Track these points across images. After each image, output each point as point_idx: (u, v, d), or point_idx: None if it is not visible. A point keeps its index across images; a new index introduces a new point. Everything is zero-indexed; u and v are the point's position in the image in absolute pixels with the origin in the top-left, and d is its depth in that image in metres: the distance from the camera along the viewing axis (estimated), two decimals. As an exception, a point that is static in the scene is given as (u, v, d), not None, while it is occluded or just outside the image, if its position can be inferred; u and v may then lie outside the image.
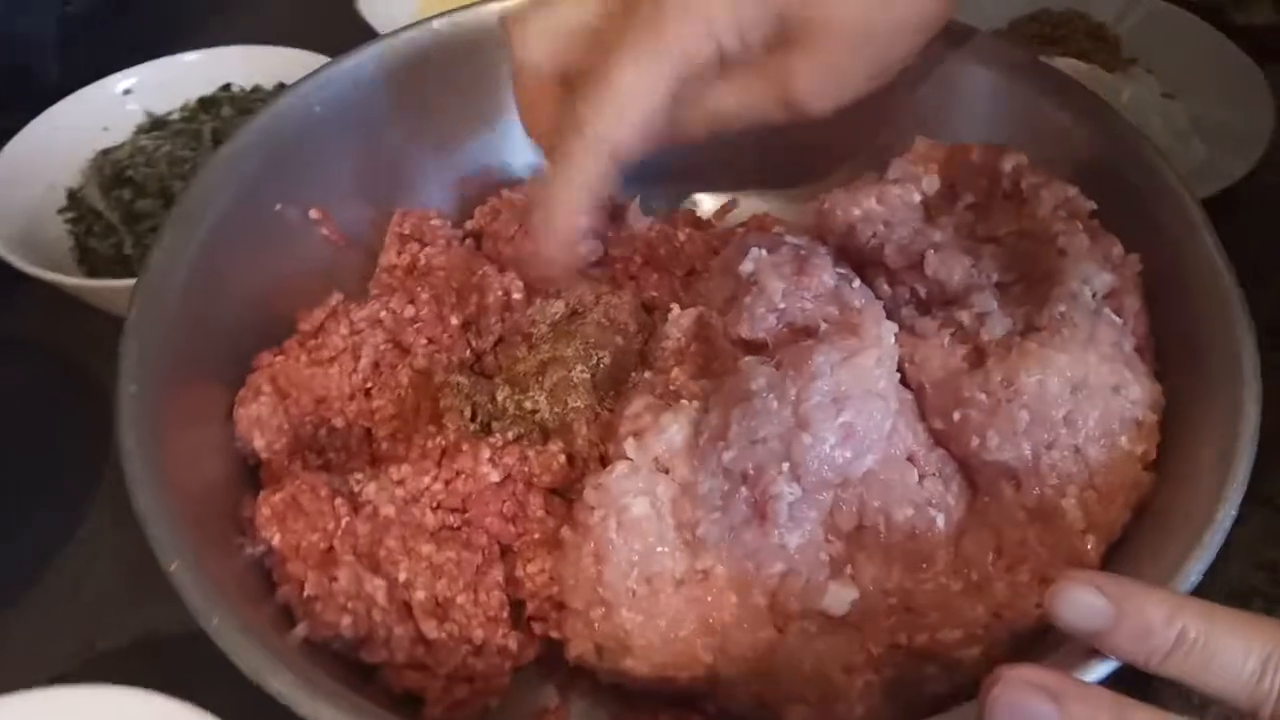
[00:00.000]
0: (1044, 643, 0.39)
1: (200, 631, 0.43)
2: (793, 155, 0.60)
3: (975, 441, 0.40)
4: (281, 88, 0.68)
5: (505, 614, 0.41)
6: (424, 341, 0.47)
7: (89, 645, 0.48)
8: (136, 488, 0.36)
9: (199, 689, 0.39)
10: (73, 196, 0.64)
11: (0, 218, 0.59)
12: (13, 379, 0.53)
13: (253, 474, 0.45)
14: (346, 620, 0.38)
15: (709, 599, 0.39)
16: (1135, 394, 0.39)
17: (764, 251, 0.45)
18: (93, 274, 0.61)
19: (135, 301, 0.42)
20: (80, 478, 0.55)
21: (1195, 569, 0.34)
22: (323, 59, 0.67)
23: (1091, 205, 0.45)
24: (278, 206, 0.50)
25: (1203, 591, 0.34)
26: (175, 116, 0.68)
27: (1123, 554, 0.39)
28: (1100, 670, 0.32)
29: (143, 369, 0.40)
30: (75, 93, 0.67)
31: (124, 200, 0.60)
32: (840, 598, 0.39)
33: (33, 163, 0.64)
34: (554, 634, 0.43)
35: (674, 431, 0.41)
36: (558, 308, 0.49)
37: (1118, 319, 0.41)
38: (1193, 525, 0.35)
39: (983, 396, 0.40)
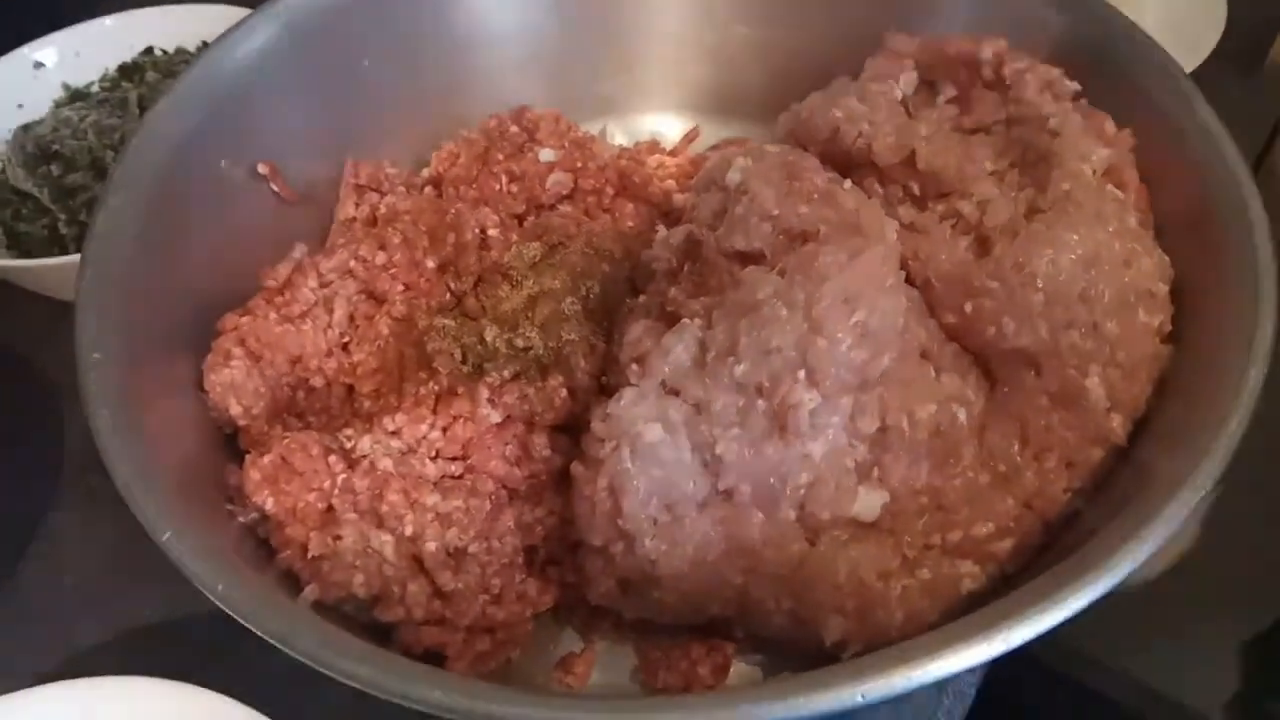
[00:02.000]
0: (1074, 530, 0.38)
1: (186, 615, 0.41)
2: (760, 79, 0.59)
3: (991, 330, 0.39)
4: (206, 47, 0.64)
5: (521, 560, 0.40)
6: (400, 288, 0.44)
7: (69, 641, 0.45)
8: (116, 464, 0.33)
9: (192, 674, 0.37)
10: (-8, 179, 0.60)
11: (-84, 208, 0.55)
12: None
13: (230, 442, 0.42)
14: (359, 579, 0.36)
15: (735, 519, 0.37)
16: (1146, 266, 0.39)
17: (749, 161, 0.44)
18: (25, 256, 0.57)
19: (84, 273, 0.39)
20: (37, 471, 0.52)
21: (1227, 444, 0.33)
22: (246, 12, 0.63)
23: (1075, 86, 0.44)
24: (223, 163, 0.47)
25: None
26: (95, 88, 0.64)
27: (1149, 431, 0.38)
28: (1126, 566, 0.31)
29: (102, 342, 0.37)
30: (-17, 70, 0.63)
31: (52, 176, 0.56)
32: (870, 502, 0.37)
33: (-56, 147, 0.59)
34: (571, 577, 0.41)
35: (679, 351, 0.39)
36: (535, 249, 0.47)
37: (1120, 193, 0.40)
38: (1219, 397, 0.35)
39: (994, 284, 0.39)
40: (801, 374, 0.37)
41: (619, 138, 0.60)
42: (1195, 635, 0.47)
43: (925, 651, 0.29)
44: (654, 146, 0.59)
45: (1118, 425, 0.37)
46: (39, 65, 0.64)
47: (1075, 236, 0.38)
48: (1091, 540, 0.33)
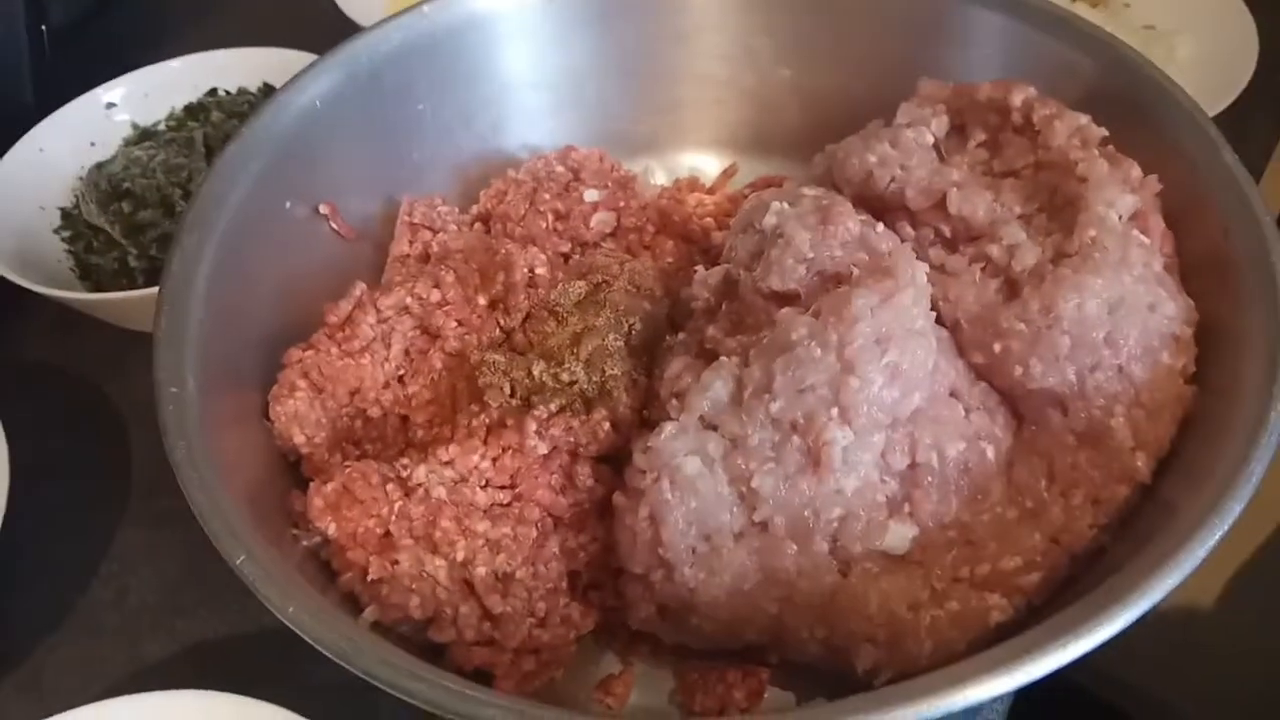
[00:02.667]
0: (1100, 564, 0.40)
1: (246, 632, 0.44)
2: (797, 117, 0.61)
3: (1019, 371, 0.40)
4: (268, 88, 0.67)
5: (565, 584, 0.42)
6: (454, 324, 0.47)
7: (136, 656, 0.48)
8: (193, 492, 0.36)
9: (253, 688, 0.40)
10: (67, 215, 0.63)
11: (-1, 243, 0.58)
12: (28, 404, 0.52)
13: (293, 469, 0.45)
14: (414, 601, 0.38)
15: (770, 550, 0.39)
16: (1170, 310, 0.40)
17: (785, 205, 0.46)
18: (97, 289, 0.60)
19: (162, 309, 0.42)
20: (105, 494, 0.55)
21: (1252, 479, 0.35)
22: (307, 56, 0.66)
23: (1104, 132, 0.45)
24: (287, 204, 0.50)
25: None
26: (162, 126, 0.67)
27: (1172, 469, 0.39)
28: (1148, 602, 0.32)
29: (179, 376, 0.40)
30: (57, 111, 0.66)
31: (124, 213, 0.60)
32: (900, 536, 0.39)
33: (21, 186, 0.63)
34: (612, 602, 0.43)
35: (718, 388, 0.41)
36: (580, 287, 0.49)
37: (1145, 239, 0.41)
38: (1241, 436, 0.36)
39: (1022, 326, 0.40)
40: (835, 412, 0.39)
41: (660, 175, 0.62)
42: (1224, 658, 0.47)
43: (952, 681, 0.31)
44: (694, 184, 0.61)
45: (1142, 464, 0.39)
46: (110, 105, 0.68)
47: (1100, 281, 0.39)
48: (1116, 575, 0.34)
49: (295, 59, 0.66)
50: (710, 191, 0.60)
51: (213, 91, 0.68)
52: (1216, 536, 0.33)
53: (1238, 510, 0.33)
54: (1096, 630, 0.31)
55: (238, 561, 0.34)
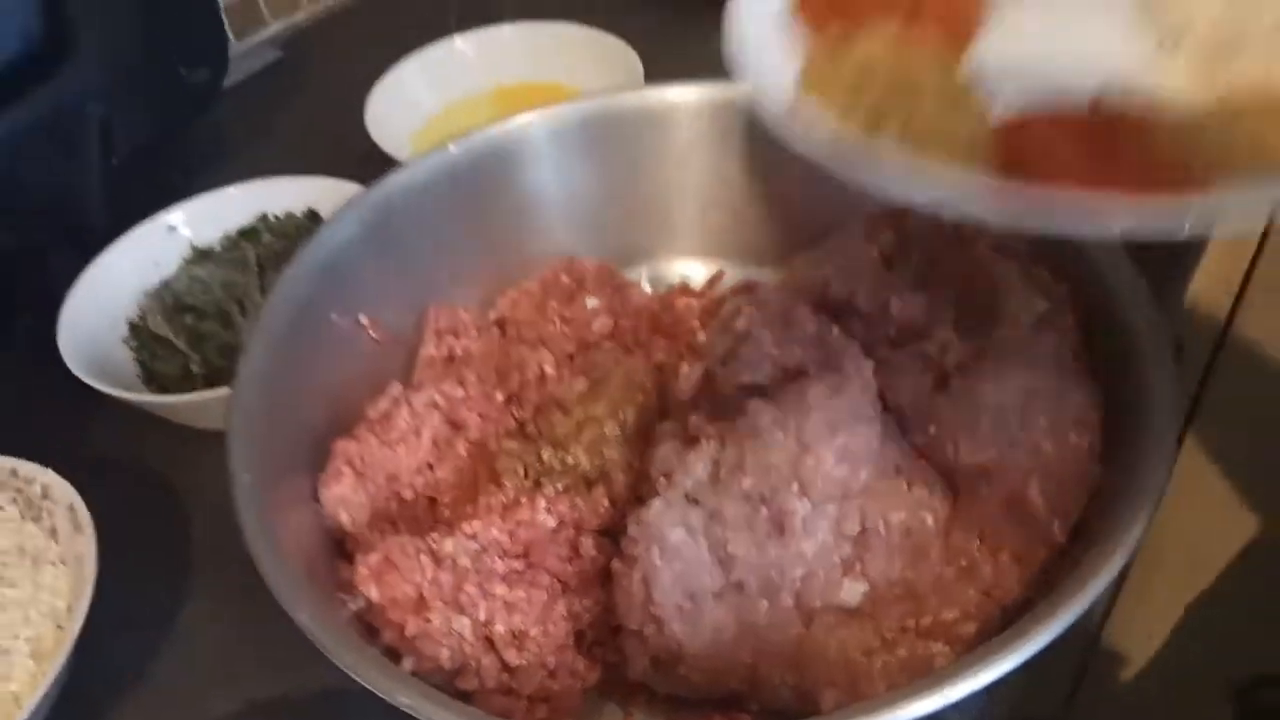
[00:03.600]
0: (1031, 615, 0.46)
1: (303, 691, 0.50)
2: (771, 227, 0.69)
3: (950, 449, 0.48)
4: (312, 213, 0.76)
5: (572, 641, 0.48)
6: (475, 416, 0.55)
7: (204, 713, 0.54)
8: (262, 562, 0.43)
9: None
10: (134, 326, 0.72)
11: (75, 352, 0.67)
12: (101, 493, 0.60)
13: (339, 545, 0.52)
14: (445, 653, 0.45)
15: (744, 606, 0.46)
16: (1078, 397, 0.47)
17: (754, 310, 0.54)
18: (161, 391, 0.69)
19: (232, 408, 0.50)
20: (170, 573, 0.62)
21: (1130, 544, 0.41)
22: (345, 183, 0.76)
23: (1022, 247, 0.53)
24: (333, 316, 0.58)
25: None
26: (218, 247, 0.76)
27: (1083, 533, 0.46)
28: (1046, 638, 0.39)
29: (248, 464, 0.48)
30: (126, 234, 0.75)
31: (188, 325, 0.68)
32: (854, 591, 0.46)
33: (95, 302, 0.72)
34: (613, 657, 0.50)
35: (699, 468, 0.48)
36: (582, 383, 0.57)
37: (1054, 336, 0.49)
38: (1133, 503, 0.43)
39: (951, 412, 0.48)
40: (795, 486, 0.46)
41: (650, 282, 0.71)
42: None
43: (886, 703, 0.38)
44: (684, 289, 0.69)
45: (1057, 529, 0.46)
46: (171, 229, 0.77)
47: (1016, 373, 0.47)
48: (1024, 617, 0.41)
49: (335, 187, 0.76)
50: (698, 295, 0.69)
51: (263, 216, 0.77)
52: (1105, 584, 0.40)
53: (1121, 564, 0.41)
54: (1001, 663, 0.38)
55: (303, 619, 0.41)
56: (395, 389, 0.56)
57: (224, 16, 1.03)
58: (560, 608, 0.48)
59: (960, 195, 0.36)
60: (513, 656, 0.46)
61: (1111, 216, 0.34)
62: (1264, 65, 0.37)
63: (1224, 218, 0.35)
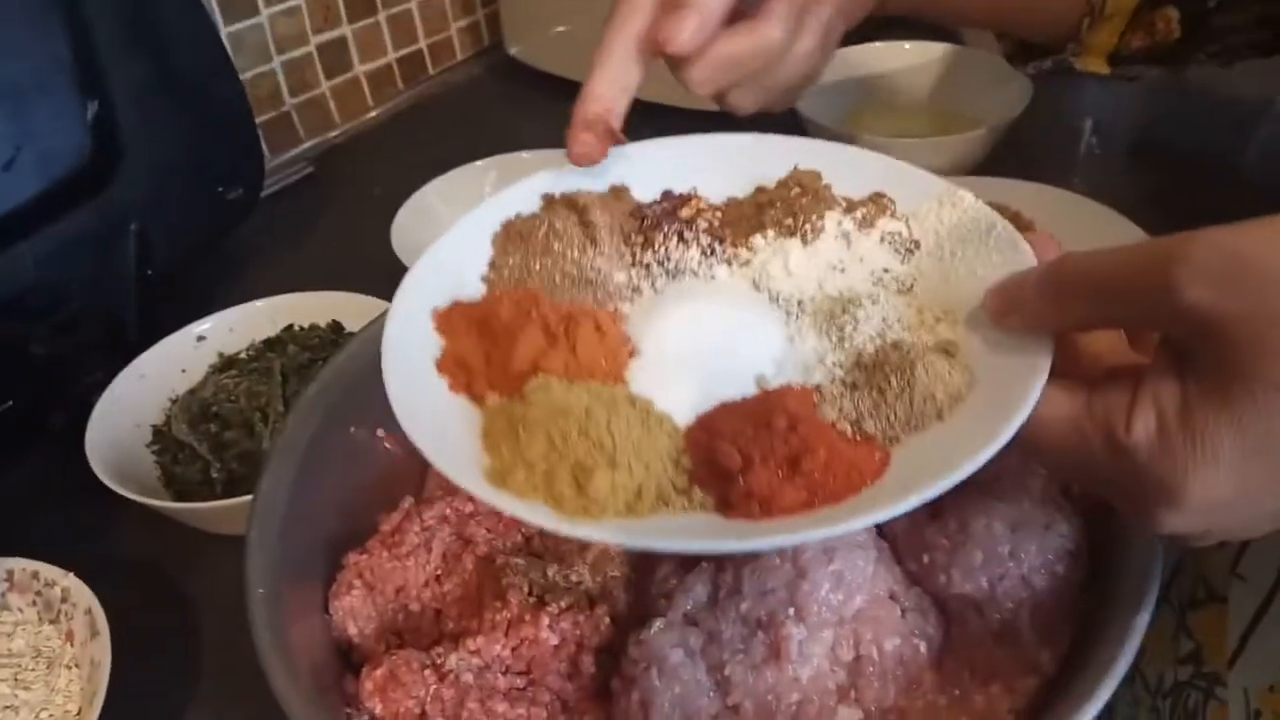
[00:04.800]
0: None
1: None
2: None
3: (943, 579, 0.49)
4: (336, 325, 0.80)
5: (570, 760, 0.49)
6: (484, 531, 0.56)
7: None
8: (273, 674, 0.45)
9: None
10: (158, 431, 0.75)
11: (100, 455, 0.69)
12: (118, 594, 0.62)
13: (345, 655, 0.53)
14: (444, 770, 0.46)
15: (740, 730, 0.47)
16: (1064, 529, 0.49)
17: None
18: (179, 497, 0.71)
19: (253, 521, 0.52)
20: (178, 676, 0.63)
21: (1120, 669, 0.43)
22: (369, 299, 0.79)
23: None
24: (352, 429, 0.61)
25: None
26: (244, 355, 0.79)
27: (1072, 662, 0.47)
28: None
29: (263, 578, 0.49)
30: (157, 343, 0.79)
31: (211, 432, 0.71)
32: (848, 718, 0.47)
33: (124, 406, 0.75)
34: (610, 777, 0.50)
35: (699, 590, 0.50)
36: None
37: (1043, 470, 0.51)
38: (1117, 635, 0.44)
39: (944, 540, 0.49)
40: (791, 611, 0.47)
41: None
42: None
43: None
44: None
45: (1046, 659, 0.47)
46: (200, 339, 0.80)
47: (1004, 505, 0.49)
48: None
49: (358, 301, 0.80)
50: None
51: (289, 327, 0.81)
52: (1094, 712, 0.41)
53: (1109, 694, 0.42)
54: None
55: (309, 733, 0.42)
56: (407, 502, 0.58)
57: (260, 134, 1.09)
58: (560, 726, 0.49)
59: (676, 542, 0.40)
60: (512, 775, 0.47)
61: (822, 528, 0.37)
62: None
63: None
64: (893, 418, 0.41)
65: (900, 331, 0.44)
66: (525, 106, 1.22)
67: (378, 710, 0.47)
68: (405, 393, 0.42)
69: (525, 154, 0.96)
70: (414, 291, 0.48)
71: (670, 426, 0.42)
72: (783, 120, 1.05)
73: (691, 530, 0.39)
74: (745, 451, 0.40)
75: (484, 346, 0.45)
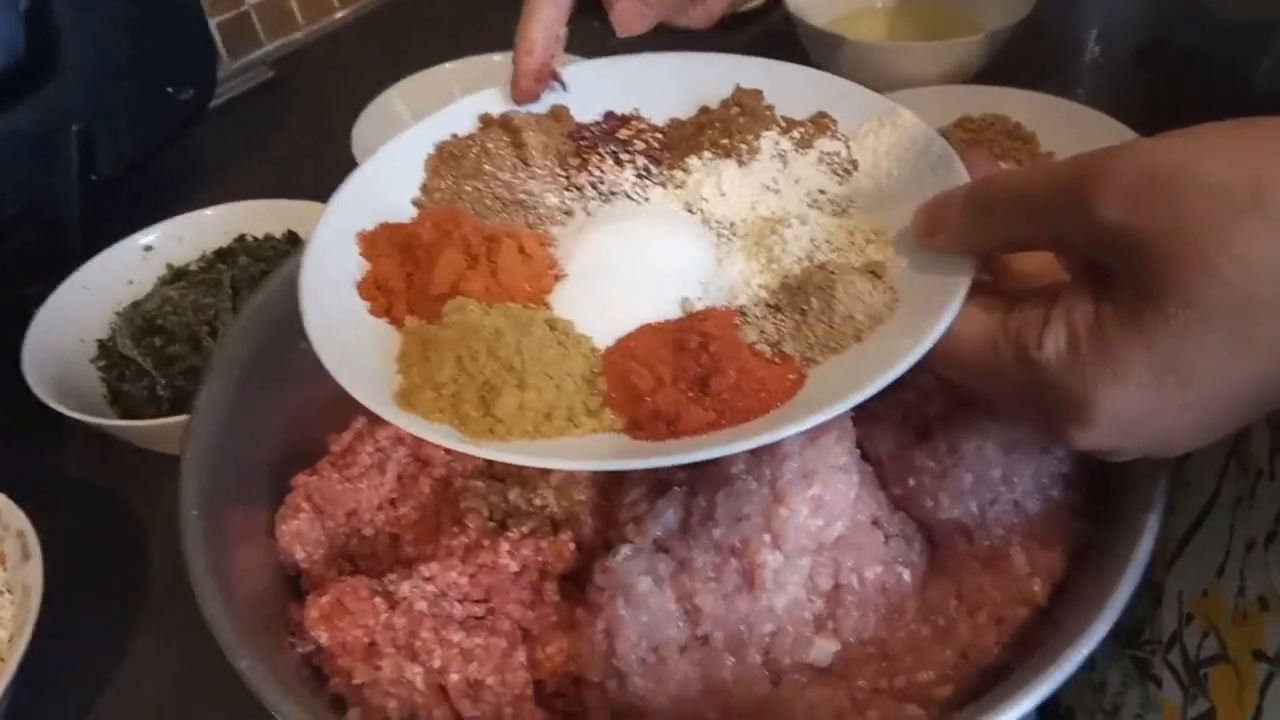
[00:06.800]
0: (1008, 678, 0.44)
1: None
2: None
3: (930, 503, 0.46)
4: (292, 235, 0.75)
5: (530, 692, 0.46)
6: (442, 453, 0.53)
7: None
8: (206, 602, 0.41)
9: None
10: (104, 346, 0.71)
11: (40, 371, 0.65)
12: (59, 517, 0.58)
13: (293, 582, 0.50)
14: (392, 704, 0.43)
15: (710, 661, 0.44)
16: (1061, 452, 0.46)
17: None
18: (126, 415, 0.67)
19: (188, 440, 0.48)
20: (124, 601, 0.60)
21: (1116, 606, 0.40)
22: (324, 208, 0.74)
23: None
24: (302, 345, 0.57)
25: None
26: (194, 267, 0.75)
27: (1066, 594, 0.44)
28: (1028, 704, 0.37)
29: (199, 497, 0.46)
30: (101, 253, 0.74)
31: (156, 347, 0.67)
32: (825, 650, 0.44)
33: (65, 320, 0.71)
34: (575, 708, 0.48)
35: (669, 515, 0.47)
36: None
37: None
38: (1117, 565, 0.41)
39: (932, 464, 0.46)
40: (767, 538, 0.44)
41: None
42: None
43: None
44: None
45: (1038, 588, 0.44)
46: (148, 248, 0.76)
47: (998, 426, 0.45)
48: (1004, 682, 0.39)
49: (316, 210, 0.73)
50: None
51: (241, 237, 0.76)
52: (1088, 650, 0.38)
53: (1106, 630, 0.39)
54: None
55: (242, 666, 0.39)
56: (360, 422, 0.54)
57: (216, 34, 1.02)
58: (520, 656, 0.46)
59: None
60: (467, 707, 0.44)
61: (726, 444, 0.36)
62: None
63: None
64: (812, 339, 0.39)
65: (828, 253, 0.42)
66: (497, 5, 1.15)
67: (323, 639, 0.44)
68: (322, 316, 0.41)
69: (496, 56, 0.90)
70: (339, 214, 0.46)
71: (588, 348, 0.40)
72: (773, 22, 0.99)
73: (593, 450, 0.38)
74: (657, 373, 0.38)
75: (406, 269, 0.43)
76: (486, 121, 0.50)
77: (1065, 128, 0.84)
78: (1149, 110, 0.87)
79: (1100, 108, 0.84)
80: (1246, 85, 0.91)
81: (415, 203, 0.48)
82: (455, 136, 0.50)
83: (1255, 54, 0.93)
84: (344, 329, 0.42)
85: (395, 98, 0.88)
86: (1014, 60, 0.92)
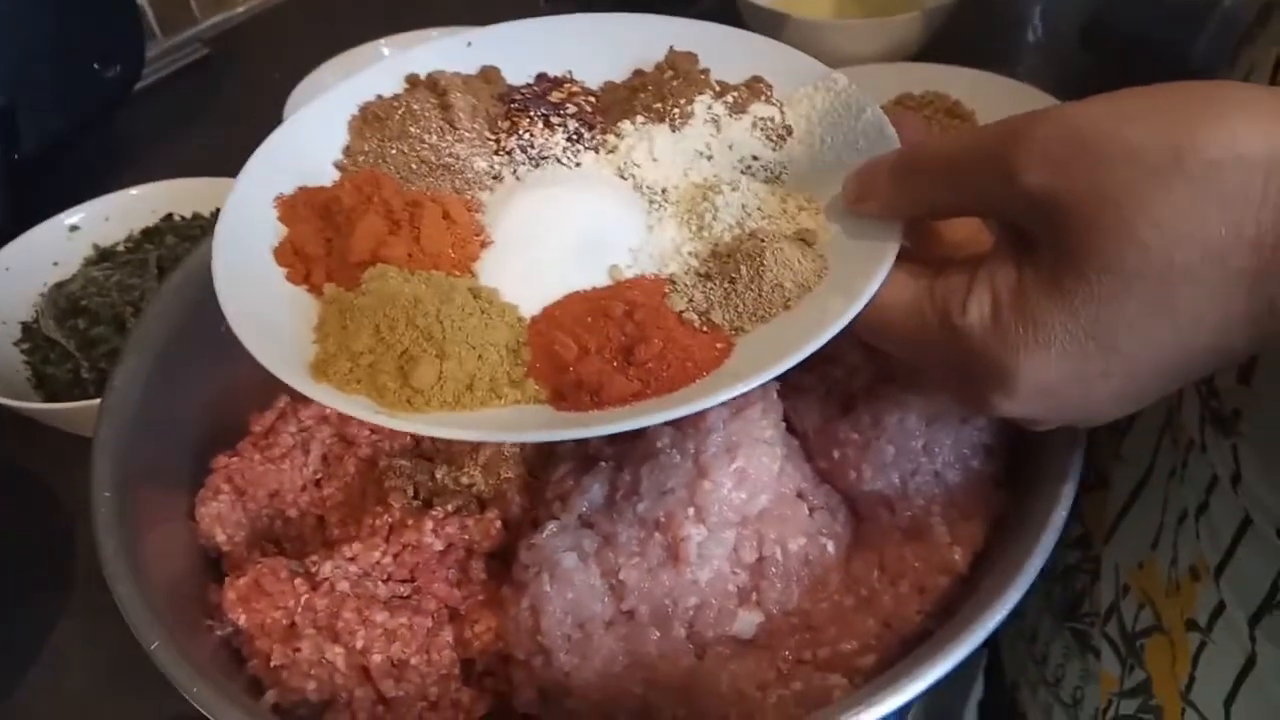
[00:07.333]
0: (928, 644, 0.45)
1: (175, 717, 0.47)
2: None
3: (853, 475, 0.46)
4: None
5: (456, 671, 0.46)
6: (367, 432, 0.52)
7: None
8: (116, 583, 0.40)
9: None
10: (27, 329, 0.69)
11: (-41, 353, 0.63)
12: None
13: (215, 565, 0.49)
14: (311, 685, 0.42)
15: (635, 636, 0.44)
16: (981, 423, 0.46)
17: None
18: (50, 398, 0.65)
19: (102, 419, 0.47)
20: (48, 585, 0.59)
21: (1035, 566, 0.40)
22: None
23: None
24: (222, 327, 0.55)
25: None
26: (121, 247, 0.73)
27: (986, 561, 0.45)
28: (944, 668, 0.38)
29: (113, 478, 0.45)
30: (24, 234, 0.72)
31: (79, 329, 0.65)
32: (748, 622, 0.44)
33: (-14, 301, 0.69)
34: (503, 687, 0.47)
35: (595, 490, 0.46)
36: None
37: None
38: (1035, 531, 0.42)
39: (855, 436, 0.46)
40: (691, 511, 0.44)
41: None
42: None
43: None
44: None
45: (959, 557, 0.44)
46: (74, 228, 0.74)
47: (919, 398, 0.46)
48: (923, 645, 0.40)
49: (245, 188, 0.73)
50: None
51: (168, 217, 0.74)
52: (1004, 614, 0.39)
53: (1020, 594, 0.39)
54: (898, 694, 0.37)
55: (152, 647, 0.38)
56: (282, 401, 0.53)
57: (150, 11, 1.00)
58: (446, 635, 0.46)
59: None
60: (390, 687, 0.44)
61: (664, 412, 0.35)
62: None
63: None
64: (741, 307, 0.39)
65: (759, 220, 0.42)
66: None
67: (241, 621, 0.44)
68: (234, 282, 0.39)
69: (433, 31, 0.89)
70: (256, 176, 0.44)
71: (514, 317, 0.39)
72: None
73: (515, 422, 0.37)
74: (581, 341, 0.37)
75: (325, 234, 0.42)
76: (413, 82, 0.49)
77: (1005, 105, 0.84)
78: (1089, 89, 0.88)
79: (1042, 86, 0.85)
80: (1184, 66, 0.93)
81: (337, 165, 0.46)
82: (380, 97, 0.48)
83: (1194, 34, 0.94)
84: (259, 296, 0.40)
85: (328, 74, 0.86)
86: (957, 39, 0.93)
